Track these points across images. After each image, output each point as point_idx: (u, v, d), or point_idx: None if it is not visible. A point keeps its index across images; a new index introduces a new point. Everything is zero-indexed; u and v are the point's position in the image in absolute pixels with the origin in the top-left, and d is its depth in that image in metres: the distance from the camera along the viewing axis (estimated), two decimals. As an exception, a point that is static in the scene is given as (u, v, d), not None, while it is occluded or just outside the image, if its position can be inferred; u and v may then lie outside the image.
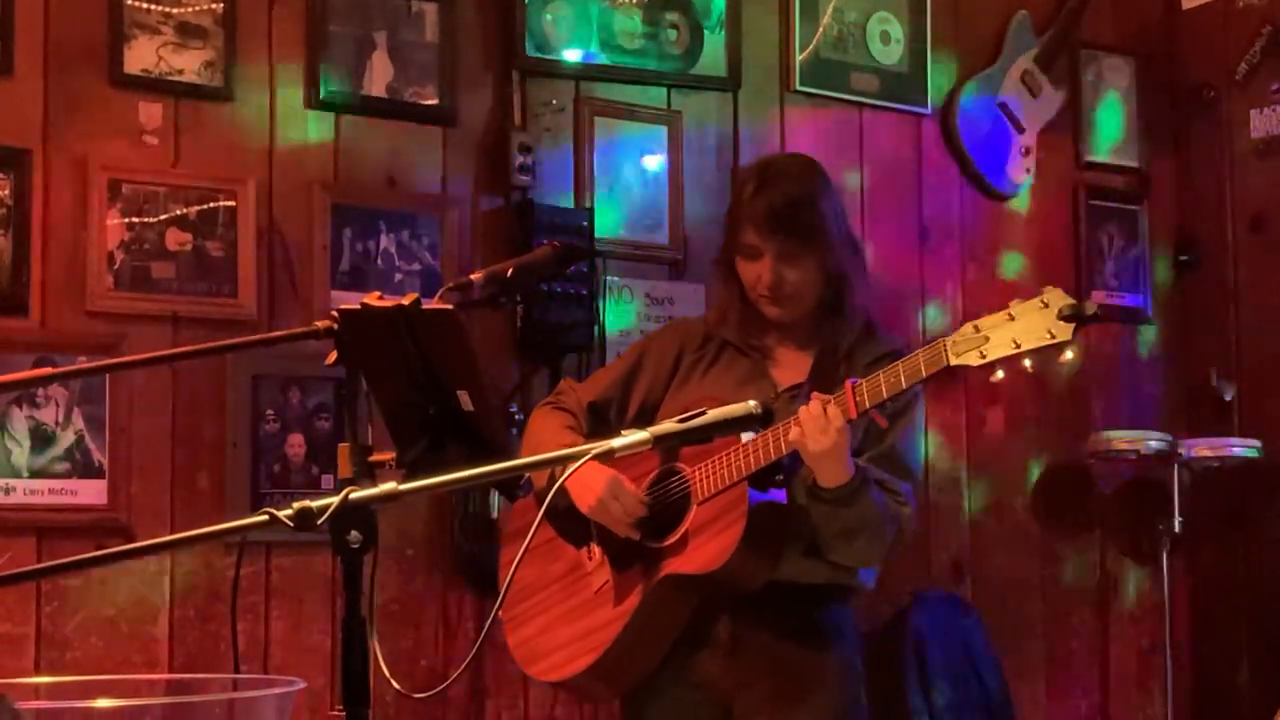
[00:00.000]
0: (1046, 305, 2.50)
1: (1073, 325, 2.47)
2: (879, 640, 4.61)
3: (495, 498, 4.11)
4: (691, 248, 4.56)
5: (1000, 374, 2.56)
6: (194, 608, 3.85)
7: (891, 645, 4.65)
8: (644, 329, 4.35)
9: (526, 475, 2.89)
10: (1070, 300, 2.48)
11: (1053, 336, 2.49)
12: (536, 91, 4.40)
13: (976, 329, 2.55)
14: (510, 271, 2.80)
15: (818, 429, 2.63)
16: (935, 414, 4.91)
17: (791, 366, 2.96)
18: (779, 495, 2.78)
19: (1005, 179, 5.20)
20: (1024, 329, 2.51)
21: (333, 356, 2.45)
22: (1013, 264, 5.21)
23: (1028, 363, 2.52)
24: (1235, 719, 5.23)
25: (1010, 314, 2.53)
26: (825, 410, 2.63)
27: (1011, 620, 5.10)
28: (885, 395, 2.61)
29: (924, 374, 2.58)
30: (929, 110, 5.08)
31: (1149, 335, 5.48)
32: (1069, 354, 2.52)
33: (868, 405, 2.62)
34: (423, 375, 2.41)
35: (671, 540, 2.83)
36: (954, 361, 2.55)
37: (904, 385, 2.59)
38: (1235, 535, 5.30)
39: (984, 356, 2.53)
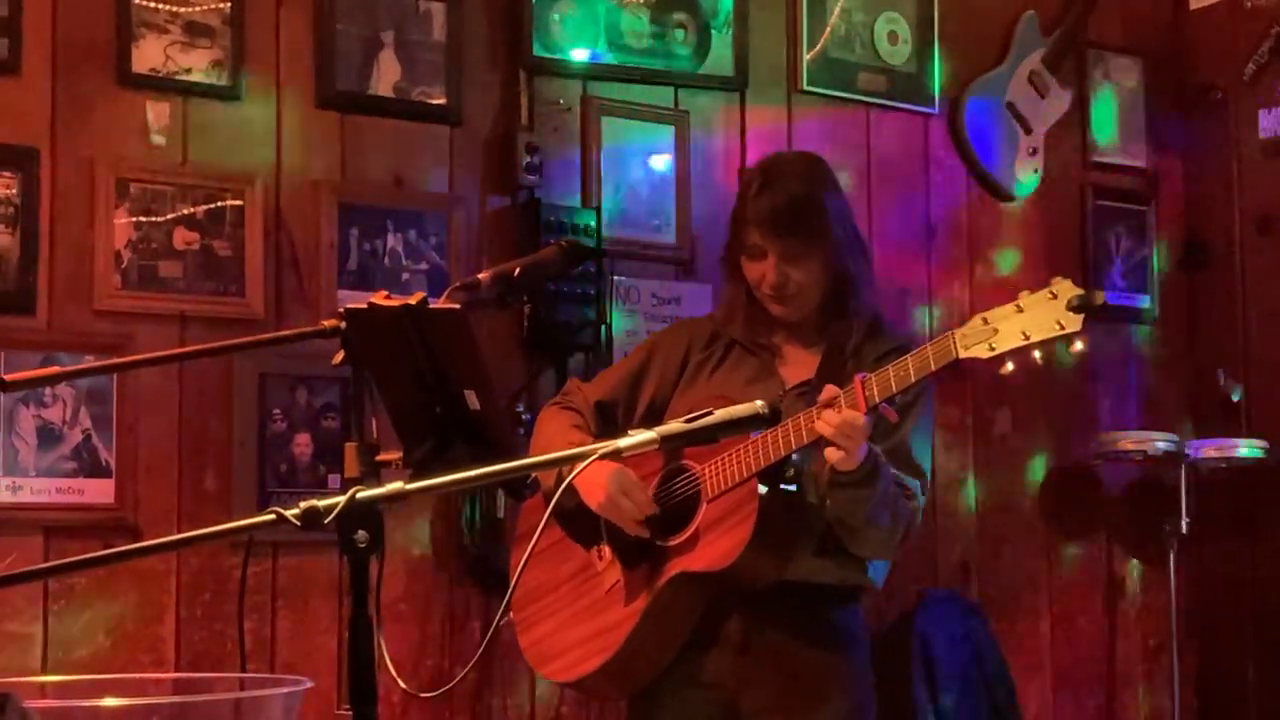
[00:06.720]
0: (1055, 296, 2.49)
1: (1082, 316, 2.46)
2: (886, 640, 4.60)
3: (501, 497, 4.11)
4: (699, 247, 4.56)
5: (1010, 366, 2.55)
6: (201, 607, 3.85)
7: (898, 645, 4.64)
8: (651, 329, 4.34)
9: (533, 475, 2.89)
10: (1079, 291, 2.47)
11: (1062, 327, 2.48)
12: (544, 91, 4.40)
13: (985, 321, 2.54)
14: (517, 271, 2.80)
15: (844, 435, 2.61)
16: (942, 414, 4.90)
17: (799, 364, 2.96)
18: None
19: (1012, 179, 5.19)
20: (1033, 320, 2.50)
21: (340, 356, 2.44)
22: (1020, 264, 5.20)
23: (1037, 354, 2.51)
24: (1242, 719, 5.22)
25: (1019, 306, 2.52)
26: (850, 418, 2.61)
27: (1018, 621, 5.10)
28: (895, 389, 2.60)
29: (933, 366, 2.57)
30: (936, 110, 5.08)
31: (1156, 336, 5.47)
32: (1079, 345, 2.51)
33: (877, 399, 2.61)
34: (430, 375, 2.41)
35: (681, 538, 2.82)
36: (963, 354, 2.54)
37: (913, 378, 2.58)
38: (1242, 536, 5.29)
39: (993, 349, 2.52)
